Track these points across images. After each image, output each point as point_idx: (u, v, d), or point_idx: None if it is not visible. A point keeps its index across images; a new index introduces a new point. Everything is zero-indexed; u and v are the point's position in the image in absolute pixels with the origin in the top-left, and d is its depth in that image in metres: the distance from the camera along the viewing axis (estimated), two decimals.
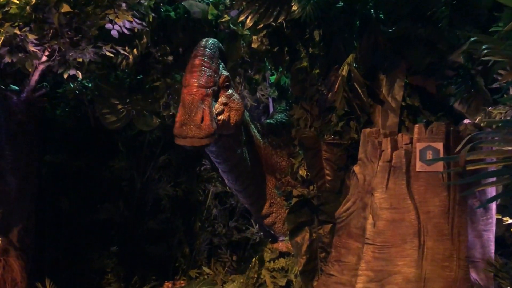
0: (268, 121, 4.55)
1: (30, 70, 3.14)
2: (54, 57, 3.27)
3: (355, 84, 3.59)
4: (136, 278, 5.33)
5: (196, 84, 3.31)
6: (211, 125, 3.27)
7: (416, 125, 3.02)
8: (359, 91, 3.59)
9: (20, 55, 3.03)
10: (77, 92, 4.75)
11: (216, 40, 3.66)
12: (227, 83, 3.58)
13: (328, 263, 3.34)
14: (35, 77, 3.78)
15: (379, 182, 3.05)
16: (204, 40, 3.59)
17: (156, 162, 5.55)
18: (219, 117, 3.48)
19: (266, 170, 4.13)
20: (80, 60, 3.44)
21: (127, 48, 4.31)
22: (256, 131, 4.11)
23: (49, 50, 3.25)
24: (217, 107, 3.47)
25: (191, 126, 3.21)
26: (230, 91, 3.62)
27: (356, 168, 3.24)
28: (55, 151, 5.39)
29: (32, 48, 3.04)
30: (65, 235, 5.34)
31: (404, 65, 3.54)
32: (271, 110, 6.02)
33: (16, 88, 4.15)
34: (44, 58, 3.29)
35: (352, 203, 3.22)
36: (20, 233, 4.21)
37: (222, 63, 3.66)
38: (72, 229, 5.36)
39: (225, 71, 3.63)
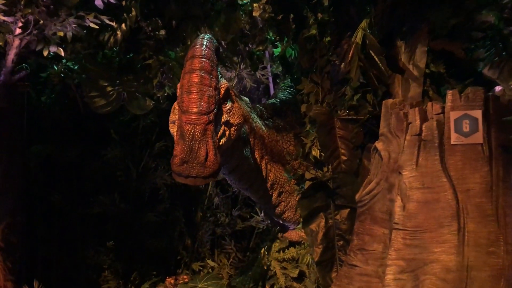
0: (270, 101, 4.16)
1: (1, 43, 2.73)
2: (30, 30, 2.84)
3: (371, 52, 3.30)
4: (135, 274, 5.09)
5: (196, 111, 2.84)
6: (215, 160, 2.86)
7: (450, 91, 2.66)
8: (376, 59, 3.30)
9: None
10: (62, 75, 4.35)
11: (211, 38, 3.12)
12: (226, 96, 3.12)
13: (349, 253, 3.00)
14: (11, 56, 3.38)
15: (407, 159, 2.71)
16: (199, 40, 3.04)
17: (152, 150, 5.27)
18: (222, 142, 3.05)
19: (272, 159, 3.75)
20: (61, 34, 3.01)
21: (114, 23, 3.92)
22: (257, 121, 3.72)
23: (23, 21, 2.84)
24: (219, 130, 3.05)
25: (194, 165, 2.81)
26: (229, 105, 3.16)
27: (379, 145, 2.89)
28: (43, 142, 5.07)
29: (1, 16, 2.63)
30: (57, 232, 5.09)
31: (426, 28, 3.25)
32: (272, 91, 5.66)
33: None
34: (18, 31, 2.88)
35: (375, 184, 2.87)
36: (5, 232, 3.89)
37: (219, 68, 3.16)
38: (65, 224, 5.11)
39: (224, 80, 3.14)
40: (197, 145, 2.80)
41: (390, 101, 2.94)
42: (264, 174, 3.70)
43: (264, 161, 3.70)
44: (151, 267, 5.20)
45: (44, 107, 5.06)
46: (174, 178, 2.95)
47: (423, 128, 2.71)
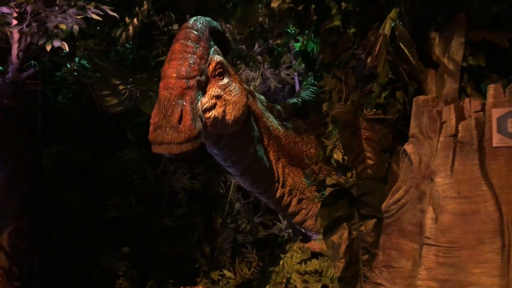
0: (291, 101, 3.87)
1: None
2: (28, 22, 2.66)
3: (400, 44, 3.00)
4: (151, 282, 4.90)
5: (174, 75, 2.67)
6: (192, 126, 2.59)
7: (491, 86, 2.33)
8: (407, 52, 3.00)
9: None
10: (75, 74, 4.20)
11: (207, 18, 2.97)
12: (219, 71, 2.90)
13: (374, 269, 2.68)
14: (14, 51, 3.22)
15: (441, 164, 2.39)
16: (192, 19, 2.91)
17: None
18: (209, 114, 2.80)
19: (290, 163, 3.46)
20: (63, 27, 2.82)
21: (126, 18, 3.74)
22: (273, 121, 3.45)
23: (17, 10, 2.66)
24: (206, 101, 2.79)
25: (167, 129, 2.56)
26: (225, 80, 2.93)
27: (408, 147, 2.58)
28: (59, 143, 4.97)
29: None
30: (72, 235, 4.96)
31: (464, 16, 2.94)
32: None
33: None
34: (14, 22, 2.70)
35: (404, 192, 2.55)
36: (12, 236, 3.74)
37: (216, 47, 2.97)
38: (80, 228, 4.98)
39: (218, 56, 2.94)
40: (171, 109, 2.58)
41: (421, 97, 2.63)
42: (281, 178, 3.41)
43: (280, 164, 3.42)
44: (168, 274, 5.00)
45: (61, 107, 4.96)
46: (152, 150, 2.70)
47: (460, 128, 2.38)
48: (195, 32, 2.80)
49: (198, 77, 2.72)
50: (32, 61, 3.72)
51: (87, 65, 4.37)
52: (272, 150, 3.37)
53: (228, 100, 2.91)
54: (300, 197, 3.53)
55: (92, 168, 4.97)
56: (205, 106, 2.78)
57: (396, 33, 2.96)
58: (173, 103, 2.59)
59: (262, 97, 3.50)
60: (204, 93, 2.80)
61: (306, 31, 3.50)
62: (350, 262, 3.04)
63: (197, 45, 2.76)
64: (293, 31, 3.77)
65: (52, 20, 2.76)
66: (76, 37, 3.78)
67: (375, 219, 3.01)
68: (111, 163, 4.98)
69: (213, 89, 2.85)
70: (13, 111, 3.77)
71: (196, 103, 2.69)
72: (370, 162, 3.06)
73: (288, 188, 3.46)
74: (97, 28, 3.91)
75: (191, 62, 2.71)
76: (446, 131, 2.41)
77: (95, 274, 4.85)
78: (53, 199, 4.88)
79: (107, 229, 4.94)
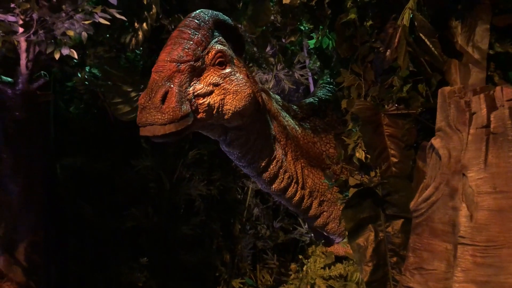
0: (307, 100, 3.74)
1: None
2: (35, 30, 2.58)
3: (421, 35, 2.86)
4: None
5: (167, 59, 2.63)
6: (177, 107, 2.50)
7: None
8: (428, 43, 2.86)
9: None
10: (86, 83, 4.13)
11: (216, 12, 2.91)
12: (220, 60, 2.80)
13: (405, 272, 2.52)
14: (23, 61, 3.15)
15: (473, 157, 2.22)
16: (198, 10, 2.88)
17: (185, 159, 4.98)
18: (203, 100, 2.71)
19: (309, 163, 3.33)
20: (71, 34, 2.74)
21: (135, 23, 3.67)
22: (290, 120, 3.33)
23: (22, 17, 2.58)
24: (201, 87, 2.70)
25: (151, 110, 2.50)
26: (227, 70, 2.83)
27: (436, 142, 2.42)
28: (73, 154, 4.91)
29: None
30: (89, 247, 4.89)
31: (487, 1, 2.80)
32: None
33: (9, 79, 3.56)
34: (21, 30, 2.62)
35: (433, 189, 2.39)
36: (27, 250, 3.67)
37: (221, 38, 2.88)
38: (97, 239, 4.91)
39: (221, 45, 2.85)
40: (156, 90, 2.53)
41: (447, 88, 2.45)
42: (300, 180, 3.28)
43: (299, 165, 3.28)
44: (188, 284, 4.90)
45: (73, 118, 4.90)
46: (139, 134, 2.65)
47: (492, 119, 2.21)
48: (196, 20, 2.76)
49: (192, 62, 2.65)
50: (42, 72, 3.66)
51: (98, 73, 4.31)
52: (290, 150, 3.26)
53: (228, 89, 2.81)
54: (321, 199, 3.38)
55: (107, 178, 4.89)
56: (198, 91, 2.69)
57: (416, 23, 2.83)
58: (160, 84, 2.55)
59: (277, 96, 3.38)
60: (199, 79, 2.72)
61: (321, 27, 3.37)
62: (377, 265, 2.89)
63: (196, 32, 2.72)
64: (306, 28, 3.65)
65: (59, 27, 2.68)
66: (85, 45, 3.73)
67: (402, 219, 2.87)
68: (126, 172, 4.90)
69: (211, 76, 2.76)
70: (25, 123, 3.71)
71: (187, 87, 2.62)
72: (394, 159, 2.94)
73: (308, 190, 3.33)
74: (106, 35, 3.84)
75: (186, 47, 2.65)
76: (477, 123, 2.24)
77: (114, 286, 4.77)
78: (69, 211, 4.82)
79: (124, 239, 4.86)
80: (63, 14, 2.63)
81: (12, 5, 2.50)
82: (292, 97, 6.08)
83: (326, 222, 3.47)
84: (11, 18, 2.54)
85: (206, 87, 2.73)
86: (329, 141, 3.47)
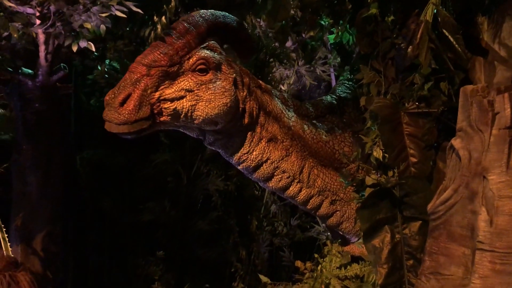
0: (325, 98, 3.67)
1: (15, 35, 2.51)
2: (52, 22, 2.59)
3: (444, 31, 2.75)
4: (187, 287, 4.79)
5: (141, 61, 2.77)
6: (133, 110, 2.67)
7: None
8: (451, 39, 2.75)
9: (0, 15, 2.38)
10: (106, 76, 4.16)
11: (215, 13, 2.97)
12: (200, 67, 2.87)
13: (420, 276, 2.45)
14: (42, 53, 3.18)
15: (494, 159, 2.15)
16: (197, 12, 2.97)
17: (203, 154, 4.98)
18: (169, 104, 2.80)
19: (320, 163, 3.32)
20: (88, 26, 2.74)
21: (155, 17, 3.65)
22: (296, 120, 3.30)
23: (39, 9, 2.59)
24: (171, 92, 2.80)
25: (111, 108, 2.70)
26: (207, 77, 2.88)
27: (456, 142, 2.34)
28: (94, 147, 4.97)
29: (7, 2, 2.39)
30: (107, 240, 4.95)
31: None
32: None
33: (29, 71, 3.60)
34: (38, 22, 2.64)
35: (452, 191, 2.32)
36: (45, 240, 3.71)
37: (213, 42, 2.94)
38: (116, 232, 4.98)
39: (208, 51, 2.90)
40: (120, 91, 2.71)
41: (470, 87, 2.38)
42: (306, 179, 3.24)
43: (307, 165, 3.24)
44: (204, 279, 4.92)
45: (94, 111, 4.94)
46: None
47: None
48: (186, 24, 2.83)
49: (165, 67, 2.75)
50: (62, 64, 3.68)
51: (118, 67, 4.33)
52: (295, 150, 3.22)
53: (201, 96, 2.86)
54: (333, 198, 3.33)
55: (126, 171, 4.94)
56: (167, 96, 2.78)
57: (439, 19, 2.72)
58: (126, 85, 2.71)
59: (285, 95, 3.36)
60: (172, 83, 2.81)
61: (341, 22, 3.30)
62: (393, 268, 2.81)
63: (181, 37, 2.80)
64: (327, 23, 3.58)
65: (76, 19, 2.68)
66: (105, 39, 3.75)
67: (420, 221, 2.78)
68: (145, 166, 4.93)
69: (186, 82, 2.84)
70: (45, 115, 3.75)
71: (152, 91, 2.73)
72: (413, 159, 2.86)
73: (316, 189, 3.28)
74: (126, 29, 3.85)
75: (163, 52, 2.76)
76: (500, 123, 2.16)
77: (130, 279, 4.82)
78: (88, 203, 4.89)
79: (142, 233, 4.90)
80: (80, 7, 2.63)
81: None
82: (313, 93, 6.00)
83: (340, 221, 3.41)
84: (29, 10, 2.56)
85: (177, 92, 2.81)
86: (344, 139, 3.40)
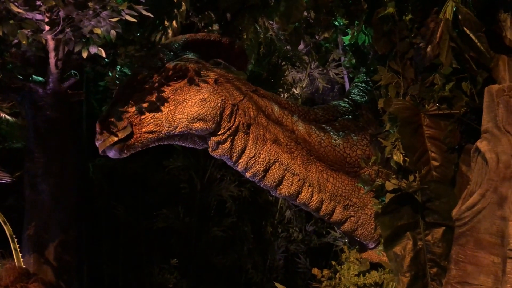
0: (337, 101, 3.58)
1: (24, 42, 2.46)
2: (62, 28, 2.54)
3: (465, 29, 2.68)
4: None
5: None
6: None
7: None
8: (473, 38, 2.67)
9: (10, 22, 2.33)
10: (117, 82, 4.09)
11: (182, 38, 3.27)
12: (175, 75, 3.06)
13: (446, 286, 2.35)
14: (52, 60, 3.13)
15: None
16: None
17: (216, 159, 4.82)
18: (148, 114, 3.00)
19: (330, 167, 3.26)
20: (98, 32, 2.68)
21: (165, 21, 3.60)
22: (300, 124, 3.26)
23: (48, 15, 2.54)
24: (147, 104, 3.02)
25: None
26: (182, 83, 3.07)
27: (482, 145, 2.24)
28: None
29: (15, 8, 2.34)
30: (122, 247, 4.89)
31: None
32: None
33: (40, 78, 3.56)
34: (47, 28, 2.59)
35: (479, 196, 2.22)
36: (58, 250, 3.66)
37: (187, 54, 3.18)
38: (130, 239, 4.93)
39: (181, 62, 3.11)
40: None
41: (495, 86, 2.29)
42: (316, 183, 3.17)
43: (314, 169, 3.17)
44: (219, 286, 4.83)
45: None
46: None
47: None
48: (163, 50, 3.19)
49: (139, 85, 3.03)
50: (72, 71, 3.64)
51: (129, 72, 4.28)
52: (300, 154, 3.16)
53: (177, 99, 3.00)
54: (346, 203, 3.23)
55: (140, 178, 4.89)
56: (143, 109, 2.95)
57: (460, 16, 2.64)
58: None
59: (290, 102, 3.37)
60: (148, 96, 2.99)
61: (356, 22, 3.22)
62: (416, 276, 2.71)
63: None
64: (341, 23, 3.48)
65: (86, 25, 2.63)
66: (116, 44, 3.70)
67: (443, 227, 2.69)
68: (158, 173, 4.89)
69: (162, 92, 2.99)
70: (57, 122, 3.72)
71: (128, 108, 2.97)
72: (435, 163, 2.77)
73: (328, 194, 3.20)
74: (137, 34, 3.79)
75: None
76: None
77: (145, 287, 4.75)
78: (101, 210, 4.84)
79: (156, 240, 4.86)
80: (90, 12, 2.57)
81: (38, 3, 2.46)
82: (327, 96, 5.90)
83: (355, 227, 3.31)
84: (38, 17, 2.52)
85: (153, 103, 2.96)
86: (357, 143, 3.30)
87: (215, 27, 3.57)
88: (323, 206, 3.24)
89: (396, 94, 2.91)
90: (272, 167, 3.13)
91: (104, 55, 2.96)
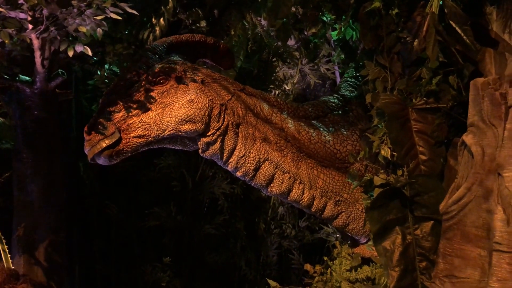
0: (327, 97, 3.57)
1: (7, 41, 2.43)
2: (45, 26, 2.51)
3: (451, 22, 2.66)
4: None
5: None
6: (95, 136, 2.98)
7: None
8: (459, 31, 2.65)
9: None
10: (106, 81, 4.07)
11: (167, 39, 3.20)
12: (160, 78, 3.02)
13: (434, 279, 2.34)
14: (38, 59, 3.11)
15: (509, 155, 2.06)
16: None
17: None
18: (135, 119, 2.96)
19: (320, 164, 3.25)
20: (84, 30, 2.66)
21: (153, 19, 3.59)
22: (289, 121, 3.23)
23: (31, 14, 2.52)
24: (133, 108, 2.99)
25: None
26: (168, 85, 3.02)
27: (468, 138, 2.24)
28: None
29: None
30: (115, 245, 4.87)
31: None
32: None
33: (27, 78, 3.53)
34: (30, 27, 2.56)
35: (465, 190, 2.22)
36: (48, 250, 3.63)
37: (173, 56, 3.15)
38: (122, 237, 4.91)
39: (166, 64, 3.10)
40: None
41: (481, 80, 2.28)
42: (307, 180, 3.16)
43: (304, 166, 3.15)
44: (212, 284, 4.84)
45: None
46: None
47: None
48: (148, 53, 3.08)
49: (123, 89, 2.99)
50: (60, 70, 3.62)
51: (118, 71, 4.25)
52: (290, 152, 3.15)
53: (165, 102, 2.98)
54: (337, 199, 3.23)
55: (131, 176, 4.86)
56: (130, 113, 2.92)
57: (446, 10, 2.63)
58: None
59: (278, 99, 3.32)
60: (134, 100, 2.95)
61: (344, 17, 3.20)
62: (405, 270, 2.70)
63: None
64: (329, 18, 3.47)
65: (70, 23, 2.60)
66: (104, 43, 3.67)
67: (432, 222, 2.66)
68: (150, 171, 4.87)
69: (148, 95, 2.96)
70: (45, 122, 3.69)
71: (114, 112, 2.94)
72: (423, 157, 2.76)
73: (319, 190, 3.19)
74: (125, 32, 3.78)
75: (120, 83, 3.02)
76: None
77: (138, 286, 4.74)
78: (92, 210, 4.82)
79: (148, 238, 4.85)
80: (74, 10, 2.55)
81: (20, 1, 2.44)
82: (318, 92, 5.89)
83: (346, 223, 3.30)
84: (21, 15, 2.49)
85: (139, 107, 2.93)
86: (347, 138, 3.29)
87: (203, 23, 3.55)
88: (314, 203, 3.24)
89: (383, 89, 2.89)
90: (262, 165, 3.11)
91: (90, 53, 2.94)
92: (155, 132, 2.97)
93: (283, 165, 3.11)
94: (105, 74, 4.09)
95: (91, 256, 4.79)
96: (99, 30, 2.91)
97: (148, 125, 2.94)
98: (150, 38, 3.61)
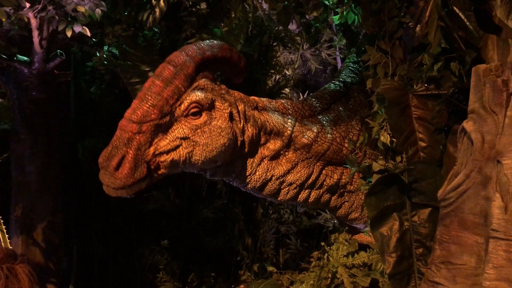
0: (329, 86, 3.48)
1: (4, 19, 2.41)
2: (43, 5, 2.48)
3: (454, 8, 2.64)
4: (192, 276, 4.73)
5: (131, 118, 2.63)
6: (129, 174, 2.58)
7: None
8: (462, 17, 2.63)
9: None
10: (105, 62, 4.04)
11: (203, 46, 2.79)
12: (193, 110, 2.73)
13: (430, 265, 2.34)
14: (35, 39, 3.08)
15: (509, 142, 2.04)
16: (186, 45, 2.82)
17: None
18: (166, 157, 2.69)
19: (329, 162, 3.23)
20: (82, 10, 2.63)
21: (153, 0, 3.54)
22: (297, 127, 3.14)
23: None
24: (165, 144, 2.68)
25: (106, 173, 2.61)
26: (200, 120, 2.76)
27: (468, 125, 2.22)
28: (95, 135, 4.87)
29: None
30: (113, 229, 4.87)
31: None
32: None
33: (25, 58, 3.50)
34: (27, 5, 2.53)
35: (464, 177, 2.21)
36: (46, 232, 3.64)
37: (204, 80, 2.80)
38: (119, 222, 4.89)
39: (199, 93, 2.75)
40: (113, 153, 2.60)
41: (482, 66, 2.25)
42: (318, 182, 3.16)
43: (315, 168, 3.14)
44: (209, 268, 4.85)
45: (95, 99, 4.85)
46: None
47: None
48: (172, 67, 2.68)
49: (157, 120, 2.63)
50: (58, 51, 3.59)
51: (117, 52, 4.22)
52: (300, 160, 3.11)
53: (197, 141, 2.74)
54: (341, 191, 3.23)
55: None
56: (162, 149, 2.67)
57: None
58: (118, 146, 2.60)
59: (286, 102, 3.18)
60: (166, 134, 2.69)
61: (345, 1, 3.17)
62: (402, 256, 2.71)
63: (168, 83, 2.65)
64: (331, 2, 3.43)
65: (69, 3, 2.57)
66: (103, 24, 3.64)
67: (430, 208, 2.68)
68: None
69: (180, 129, 2.71)
70: (43, 103, 3.67)
71: (146, 148, 2.62)
72: (422, 144, 2.77)
73: (325, 187, 3.20)
74: (124, 13, 3.73)
75: (152, 104, 2.61)
76: None
77: (136, 268, 4.76)
78: (91, 192, 4.82)
79: (146, 222, 4.83)
80: None
81: None
82: (319, 77, 5.86)
83: (348, 212, 3.30)
84: None
85: (171, 142, 2.69)
86: (352, 128, 3.25)
87: (203, 5, 3.51)
88: (320, 200, 3.24)
89: (384, 74, 2.88)
90: (269, 182, 3.06)
91: (89, 34, 2.91)
92: (181, 169, 2.83)
93: (289, 178, 3.08)
94: (104, 56, 4.06)
95: (89, 238, 4.80)
96: (98, 11, 2.89)
97: (176, 164, 2.75)
98: (150, 19, 3.57)
